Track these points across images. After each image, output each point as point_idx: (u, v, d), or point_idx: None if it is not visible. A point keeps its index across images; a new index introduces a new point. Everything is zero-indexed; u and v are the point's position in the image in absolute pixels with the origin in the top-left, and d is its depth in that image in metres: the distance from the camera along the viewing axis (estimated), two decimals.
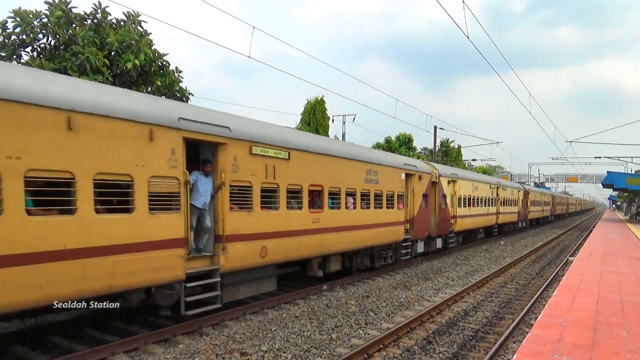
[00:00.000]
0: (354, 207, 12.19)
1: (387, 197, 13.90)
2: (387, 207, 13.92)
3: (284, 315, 9.06)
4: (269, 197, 9.16)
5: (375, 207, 13.22)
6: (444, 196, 18.76)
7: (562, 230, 37.88)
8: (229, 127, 8.21)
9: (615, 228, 32.74)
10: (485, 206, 24.50)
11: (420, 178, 16.16)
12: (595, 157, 46.44)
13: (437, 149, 40.34)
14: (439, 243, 18.57)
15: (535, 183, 66.20)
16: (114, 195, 6.48)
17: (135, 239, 6.52)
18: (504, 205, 28.31)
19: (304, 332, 7.99)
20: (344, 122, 37.77)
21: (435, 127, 36.51)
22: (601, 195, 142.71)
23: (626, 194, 62.76)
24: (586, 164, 55.69)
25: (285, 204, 9.50)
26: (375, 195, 13.20)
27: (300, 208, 10.08)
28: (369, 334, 8.05)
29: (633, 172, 48.60)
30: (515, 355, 5.24)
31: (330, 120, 28.59)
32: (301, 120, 26.48)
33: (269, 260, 9.14)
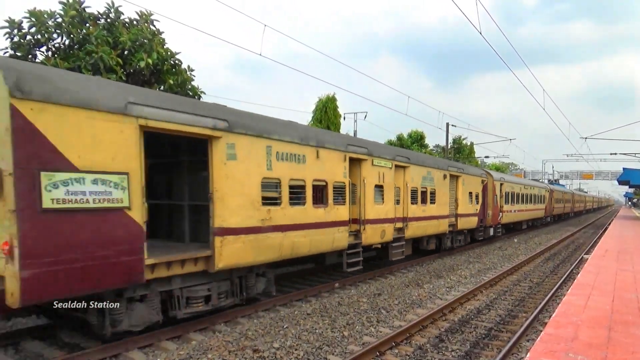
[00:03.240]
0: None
1: (475, 196, 20.44)
2: (475, 204, 20.43)
3: (295, 312, 9.09)
4: (379, 194, 12.63)
5: (470, 204, 19.76)
6: (495, 195, 23.68)
7: (577, 227, 37.42)
8: (367, 148, 12.04)
9: (631, 226, 32.24)
10: (524, 203, 30.17)
11: (484, 182, 21.92)
12: (611, 154, 45.77)
13: (449, 146, 40.10)
14: (492, 231, 23.26)
15: (549, 180, 65.41)
16: (318, 193, 10.16)
17: (329, 219, 10.30)
18: (532, 203, 33.07)
19: (315, 329, 8.01)
20: (355, 120, 37.78)
21: (447, 124, 36.24)
22: (617, 192, 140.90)
23: None
24: (601, 160, 54.89)
25: (393, 198, 13.14)
26: (470, 196, 19.81)
27: (416, 203, 14.69)
28: (380, 332, 8.04)
29: None
30: (528, 354, 5.19)
31: (342, 118, 28.57)
32: (313, 117, 26.48)
33: (387, 239, 12.97)
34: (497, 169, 60.90)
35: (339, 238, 10.70)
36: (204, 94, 15.05)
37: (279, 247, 8.83)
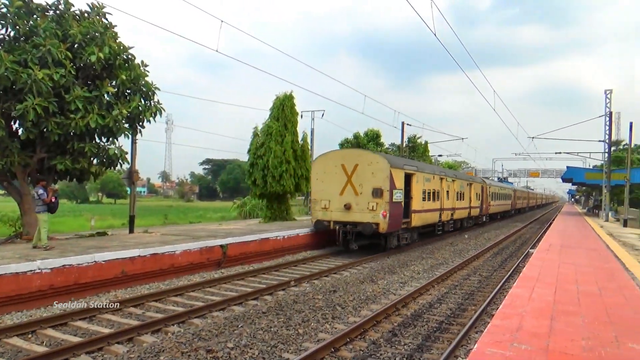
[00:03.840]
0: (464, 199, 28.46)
1: (479, 196, 32.11)
2: (479, 201, 31.91)
3: (250, 311, 8.99)
4: (432, 193, 21.87)
5: (477, 200, 31.48)
6: (487, 195, 35.31)
7: (524, 223, 38.96)
8: (416, 167, 19.86)
9: (574, 221, 33.87)
10: (500, 200, 41.81)
11: (483, 187, 33.55)
12: (556, 153, 48.16)
13: (404, 144, 40.81)
14: (484, 218, 35.51)
15: (498, 178, 67.80)
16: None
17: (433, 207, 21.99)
18: (502, 199, 43.72)
19: (271, 327, 7.95)
20: (312, 118, 37.79)
21: (403, 123, 36.93)
22: (561, 189, 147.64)
23: (584, 188, 65.07)
24: (547, 159, 57.50)
25: (422, 196, 20.28)
26: (477, 196, 31.54)
27: (432, 199, 21.79)
28: (336, 328, 8.07)
29: (591, 167, 50.37)
30: (476, 345, 5.33)
31: (299, 116, 28.47)
32: (270, 115, 26.23)
33: (424, 222, 21.17)
34: (450, 167, 62.51)
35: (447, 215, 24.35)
36: (159, 90, 14.64)
37: (425, 218, 20.81)
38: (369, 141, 40.00)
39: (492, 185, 37.61)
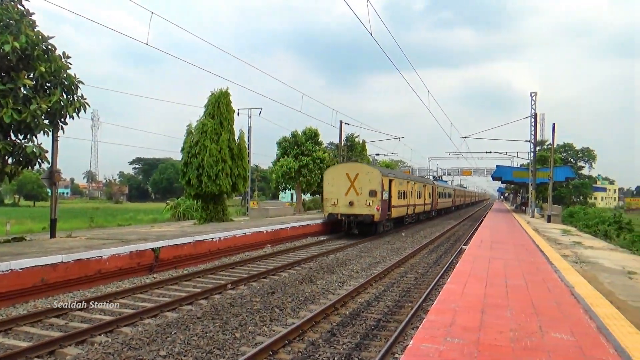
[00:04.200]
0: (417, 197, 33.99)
1: (430, 194, 38.68)
2: (430, 198, 38.43)
3: (185, 317, 8.75)
4: (403, 193, 28.85)
5: (429, 198, 38.75)
6: (439, 194, 44.77)
7: (457, 221, 40.76)
8: (395, 174, 27.64)
9: (503, 218, 35.88)
10: (443, 198, 49.63)
11: (432, 187, 41.08)
12: (487, 152, 50.76)
13: (342, 143, 41.35)
14: (434, 212, 43.15)
15: (434, 177, 70.39)
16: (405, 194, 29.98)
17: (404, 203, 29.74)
18: (445, 197, 51.87)
19: (206, 333, 7.78)
20: (250, 116, 37.39)
21: (341, 122, 37.38)
22: (491, 187, 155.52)
23: (512, 186, 69.07)
24: (478, 158, 60.41)
25: (397, 195, 26.84)
26: (430, 195, 39.15)
27: (403, 198, 28.48)
28: (274, 331, 8.04)
29: (519, 166, 53.58)
30: (412, 341, 5.50)
31: (236, 114, 28.11)
32: (205, 112, 25.68)
33: (400, 214, 28.53)
34: (387, 166, 64.11)
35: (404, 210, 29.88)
36: (83, 83, 13.86)
37: (400, 211, 27.76)
38: (307, 140, 40.10)
39: (439, 186, 46.67)
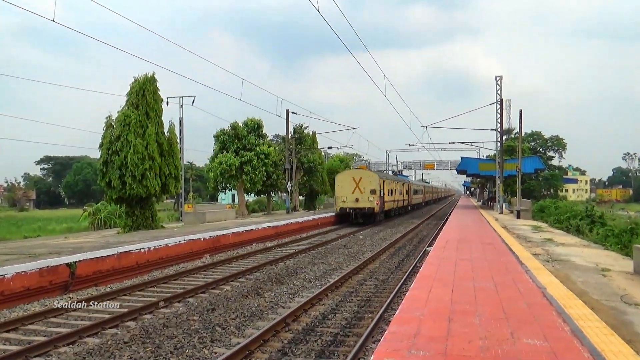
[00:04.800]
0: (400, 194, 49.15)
1: (407, 192, 53.79)
2: (407, 195, 53.34)
3: (109, 342, 8.48)
4: (391, 191, 43.46)
5: (406, 194, 53.40)
6: (413, 191, 58.93)
7: (421, 219, 41.80)
8: (386, 177, 44.49)
9: (469, 215, 37.11)
10: (416, 194, 63.89)
11: (409, 185, 56.70)
12: (450, 143, 52.08)
13: (289, 135, 41.27)
14: (409, 208, 56.20)
15: (393, 171, 71.70)
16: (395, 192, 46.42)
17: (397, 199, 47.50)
18: (418, 194, 65.96)
19: None
20: (181, 105, 36.65)
21: (287, 112, 37.36)
22: (457, 182, 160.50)
23: (479, 179, 71.55)
24: (442, 150, 62.29)
25: (387, 193, 40.81)
26: (406, 192, 53.56)
27: (391, 195, 42.88)
28: (215, 353, 7.95)
29: (485, 157, 55.47)
30: (372, 356, 5.59)
31: (165, 103, 27.46)
32: (127, 102, 24.85)
33: (389, 208, 42.64)
34: (342, 160, 64.69)
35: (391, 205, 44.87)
36: None
37: (389, 205, 42.23)
38: (249, 132, 39.73)
39: (412, 184, 60.99)
